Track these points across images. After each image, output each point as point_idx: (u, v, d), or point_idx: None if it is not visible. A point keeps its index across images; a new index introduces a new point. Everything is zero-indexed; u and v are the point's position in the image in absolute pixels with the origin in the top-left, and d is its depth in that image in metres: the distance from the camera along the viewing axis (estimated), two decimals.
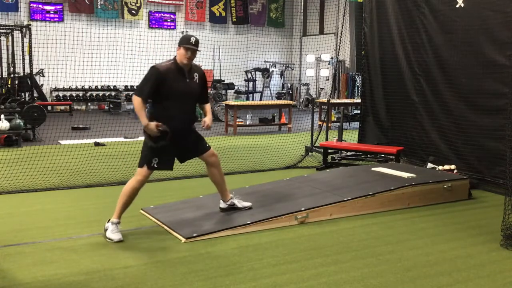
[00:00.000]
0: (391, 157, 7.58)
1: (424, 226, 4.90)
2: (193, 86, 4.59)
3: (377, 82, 8.48)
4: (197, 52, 4.54)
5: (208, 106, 4.82)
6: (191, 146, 4.71)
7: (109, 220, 4.47)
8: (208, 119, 4.69)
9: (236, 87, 19.50)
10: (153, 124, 4.36)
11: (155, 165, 4.47)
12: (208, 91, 4.70)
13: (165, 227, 4.71)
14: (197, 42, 4.52)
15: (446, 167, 6.65)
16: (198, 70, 4.69)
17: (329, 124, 11.23)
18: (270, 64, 20.67)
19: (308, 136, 9.54)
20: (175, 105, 4.46)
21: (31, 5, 17.28)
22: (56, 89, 17.56)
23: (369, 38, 8.65)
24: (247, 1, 20.68)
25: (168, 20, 19.56)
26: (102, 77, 17.91)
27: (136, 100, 4.38)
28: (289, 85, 21.64)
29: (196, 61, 4.75)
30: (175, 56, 4.53)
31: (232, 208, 4.99)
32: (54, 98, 17.58)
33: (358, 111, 11.35)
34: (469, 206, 5.73)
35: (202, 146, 4.77)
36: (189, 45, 4.45)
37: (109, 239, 4.37)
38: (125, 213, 4.68)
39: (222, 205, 5.02)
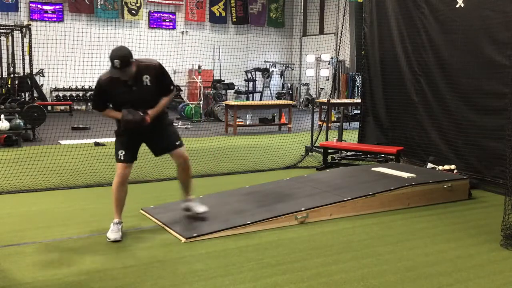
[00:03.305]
0: (391, 157, 7.58)
1: (424, 226, 4.90)
2: (141, 92, 4.29)
3: (377, 82, 8.48)
4: (128, 69, 4.13)
5: (163, 100, 4.47)
6: (158, 142, 4.60)
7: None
8: (150, 112, 4.34)
9: (236, 87, 19.49)
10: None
11: (121, 158, 4.43)
12: (173, 83, 4.43)
13: (165, 227, 4.71)
14: (122, 62, 4.05)
15: (446, 167, 6.65)
16: (148, 70, 4.30)
17: (329, 124, 11.23)
18: (270, 64, 20.67)
19: (308, 136, 9.54)
20: (131, 105, 4.30)
21: (31, 5, 17.28)
22: (56, 89, 17.56)
23: (369, 38, 8.65)
24: (247, 1, 20.67)
25: (167, 20, 19.55)
26: None
27: (98, 112, 4.44)
28: (289, 85, 21.64)
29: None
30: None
31: (188, 210, 4.84)
32: (54, 98, 17.58)
33: (358, 111, 11.35)
34: (469, 206, 5.72)
35: (169, 143, 4.58)
36: (114, 69, 4.11)
37: (108, 238, 4.39)
38: (125, 213, 4.68)
39: (182, 205, 4.90)
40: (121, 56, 4.09)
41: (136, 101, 4.30)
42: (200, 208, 4.82)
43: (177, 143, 4.63)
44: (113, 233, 4.38)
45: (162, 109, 4.50)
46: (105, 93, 4.33)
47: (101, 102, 4.42)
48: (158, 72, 4.40)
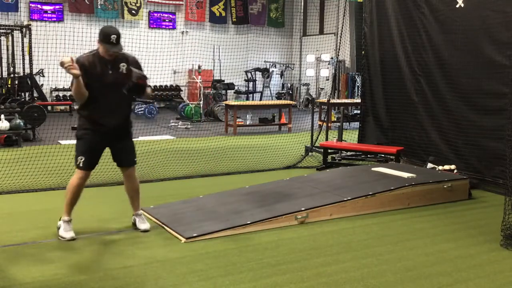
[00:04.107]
0: (391, 157, 7.58)
1: (424, 226, 4.90)
2: (117, 77, 4.30)
3: (377, 82, 8.48)
4: (120, 45, 4.25)
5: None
6: (120, 152, 4.53)
7: (60, 218, 4.47)
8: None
9: (236, 87, 19.48)
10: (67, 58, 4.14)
11: (80, 164, 4.36)
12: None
13: (165, 227, 4.71)
14: (118, 38, 4.21)
15: (446, 167, 6.65)
16: (126, 60, 4.39)
17: (329, 124, 11.23)
18: (270, 64, 20.66)
19: (308, 136, 9.54)
20: (101, 98, 4.29)
21: (31, 5, 17.27)
22: (56, 89, 17.55)
23: (369, 38, 8.65)
24: (247, 1, 20.67)
25: (167, 20, 19.55)
26: None
27: (72, 92, 4.25)
28: (289, 85, 21.63)
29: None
30: (98, 48, 4.31)
31: (134, 224, 4.76)
32: (54, 98, 17.56)
33: (358, 111, 11.35)
34: (469, 206, 5.73)
35: (130, 159, 4.59)
36: (109, 44, 4.21)
37: (62, 237, 4.36)
38: (125, 212, 4.69)
39: (132, 218, 4.79)
40: (117, 32, 4.24)
41: (109, 85, 4.29)
42: (142, 226, 4.65)
43: (135, 160, 4.65)
44: (67, 232, 4.37)
45: (148, 94, 4.47)
46: (83, 70, 4.23)
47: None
48: (135, 65, 4.46)
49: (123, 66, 4.35)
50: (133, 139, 4.66)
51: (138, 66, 4.49)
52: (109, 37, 4.20)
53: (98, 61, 4.28)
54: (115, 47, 4.25)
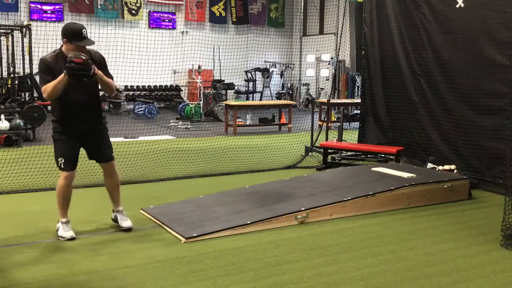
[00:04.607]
0: (391, 157, 7.58)
1: (424, 226, 4.90)
2: None
3: (377, 82, 8.48)
4: (91, 40, 4.29)
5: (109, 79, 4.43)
6: (96, 149, 4.52)
7: (58, 221, 4.48)
8: (97, 72, 4.21)
9: (236, 87, 19.49)
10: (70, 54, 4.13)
11: (62, 166, 4.36)
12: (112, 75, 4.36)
13: (165, 227, 4.71)
14: (86, 32, 4.22)
15: (446, 167, 6.65)
16: (92, 56, 4.33)
17: (329, 124, 11.23)
18: (270, 64, 20.67)
19: (308, 136, 9.54)
20: (69, 97, 4.25)
21: (31, 5, 17.28)
22: None
23: (369, 38, 8.65)
24: (247, 1, 20.67)
25: (167, 20, 19.54)
26: None
27: (45, 88, 4.20)
28: (289, 85, 21.64)
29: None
30: (61, 47, 4.29)
31: (115, 221, 4.75)
32: None
33: (358, 111, 11.34)
34: (469, 206, 5.73)
35: (107, 155, 4.56)
36: (83, 40, 4.21)
37: (61, 237, 4.39)
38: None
39: (112, 215, 4.81)
40: (83, 26, 4.28)
41: (75, 84, 4.22)
42: (125, 224, 4.64)
43: (112, 155, 4.62)
44: (66, 232, 4.39)
45: (105, 82, 4.35)
46: (51, 71, 4.23)
47: (50, 78, 4.21)
48: (101, 61, 4.43)
49: (94, 67, 4.25)
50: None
51: (105, 64, 4.47)
52: (80, 33, 4.22)
53: (63, 60, 4.19)
54: (88, 41, 4.27)
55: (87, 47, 4.34)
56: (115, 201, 4.72)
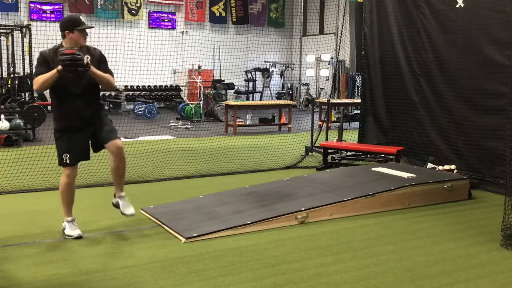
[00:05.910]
0: (391, 157, 7.58)
1: (424, 226, 4.90)
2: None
3: (377, 82, 8.48)
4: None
5: (106, 74, 4.43)
6: (99, 133, 4.48)
7: (64, 220, 4.49)
8: (92, 67, 4.24)
9: (236, 87, 19.49)
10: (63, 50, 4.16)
11: (67, 161, 4.36)
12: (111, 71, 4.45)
13: (165, 227, 4.71)
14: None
15: (446, 167, 6.65)
16: (90, 52, 4.38)
17: (329, 124, 11.23)
18: (270, 64, 20.66)
19: (308, 136, 9.54)
20: (68, 93, 4.29)
21: (31, 5, 17.28)
22: None
23: (369, 38, 8.65)
24: (247, 1, 20.66)
25: (167, 20, 19.54)
26: None
27: (36, 80, 4.19)
28: (289, 85, 21.63)
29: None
30: (62, 42, 4.33)
31: (117, 207, 4.69)
32: None
33: (358, 111, 11.34)
34: (469, 206, 5.73)
35: (111, 133, 4.48)
36: (83, 26, 4.33)
37: (68, 235, 4.40)
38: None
39: (114, 200, 4.73)
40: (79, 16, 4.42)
41: (74, 79, 4.25)
42: (128, 211, 4.57)
43: (117, 135, 4.56)
44: (73, 230, 4.41)
45: (100, 76, 4.35)
46: (47, 64, 4.23)
47: (43, 70, 4.22)
48: (100, 58, 4.46)
49: (87, 59, 4.27)
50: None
51: (104, 60, 4.49)
52: (79, 19, 4.30)
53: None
54: (87, 25, 4.38)
55: (87, 44, 4.40)
56: (118, 184, 4.62)
